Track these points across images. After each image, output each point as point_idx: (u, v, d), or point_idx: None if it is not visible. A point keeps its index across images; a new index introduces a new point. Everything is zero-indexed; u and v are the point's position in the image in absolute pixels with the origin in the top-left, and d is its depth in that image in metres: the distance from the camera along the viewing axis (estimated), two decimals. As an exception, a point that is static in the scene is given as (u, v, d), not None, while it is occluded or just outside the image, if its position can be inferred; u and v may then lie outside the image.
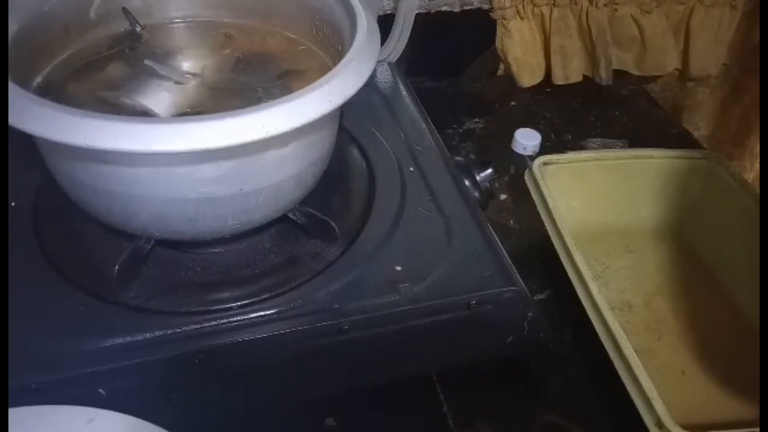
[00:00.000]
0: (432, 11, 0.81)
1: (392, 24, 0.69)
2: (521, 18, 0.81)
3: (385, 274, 0.46)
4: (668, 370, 0.53)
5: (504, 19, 0.80)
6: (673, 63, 0.88)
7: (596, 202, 0.63)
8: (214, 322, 0.42)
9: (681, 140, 0.80)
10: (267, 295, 0.44)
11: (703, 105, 1.04)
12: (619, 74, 0.88)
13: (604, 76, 0.86)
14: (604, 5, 0.82)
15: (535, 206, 0.58)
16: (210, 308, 0.43)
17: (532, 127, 0.77)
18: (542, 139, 0.75)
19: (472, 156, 0.74)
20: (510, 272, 0.47)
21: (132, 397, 0.39)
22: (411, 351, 0.47)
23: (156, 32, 0.54)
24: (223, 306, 0.43)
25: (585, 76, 0.87)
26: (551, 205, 0.56)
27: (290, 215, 0.47)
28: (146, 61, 0.49)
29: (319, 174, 0.46)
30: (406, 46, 0.71)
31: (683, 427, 0.41)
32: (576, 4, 0.82)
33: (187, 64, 0.51)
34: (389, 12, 0.75)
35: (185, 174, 0.39)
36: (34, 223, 0.48)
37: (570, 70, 0.86)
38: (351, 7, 0.46)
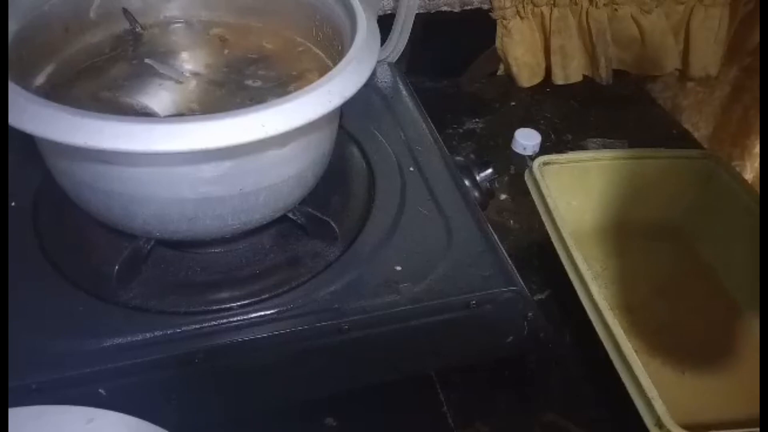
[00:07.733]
0: (432, 11, 0.81)
1: (392, 24, 0.69)
2: (521, 18, 0.81)
3: (385, 274, 0.46)
4: (668, 370, 0.53)
5: (504, 19, 0.80)
6: (673, 63, 0.88)
7: (596, 202, 0.63)
8: (214, 322, 0.42)
9: (681, 140, 0.80)
10: (267, 295, 0.44)
11: (703, 105, 1.04)
12: (619, 74, 0.88)
13: (604, 76, 0.86)
14: (604, 5, 0.82)
15: (535, 206, 0.58)
16: (210, 308, 0.43)
17: (532, 127, 0.77)
18: (542, 139, 0.75)
19: (472, 156, 0.74)
20: (510, 272, 0.47)
21: (132, 397, 0.39)
22: (411, 351, 0.47)
23: (156, 32, 0.54)
24: (223, 306, 0.43)
25: (585, 76, 0.87)
26: (551, 205, 0.56)
27: (290, 215, 0.47)
28: (147, 60, 0.49)
29: (319, 174, 0.46)
30: (406, 46, 0.71)
31: (683, 427, 0.41)
32: (576, 4, 0.82)
33: (187, 64, 0.51)
34: (389, 12, 0.75)
35: (185, 174, 0.39)
36: (34, 223, 0.48)
37: (570, 70, 0.86)
38: (351, 7, 0.46)
